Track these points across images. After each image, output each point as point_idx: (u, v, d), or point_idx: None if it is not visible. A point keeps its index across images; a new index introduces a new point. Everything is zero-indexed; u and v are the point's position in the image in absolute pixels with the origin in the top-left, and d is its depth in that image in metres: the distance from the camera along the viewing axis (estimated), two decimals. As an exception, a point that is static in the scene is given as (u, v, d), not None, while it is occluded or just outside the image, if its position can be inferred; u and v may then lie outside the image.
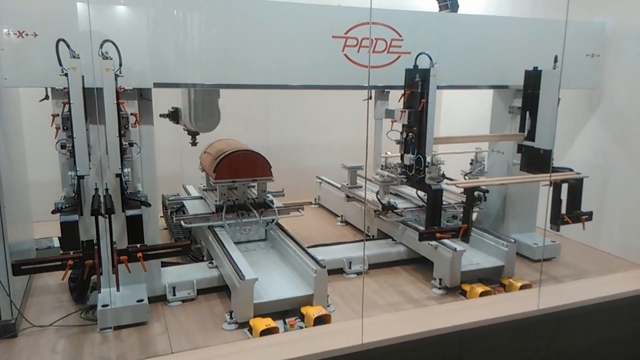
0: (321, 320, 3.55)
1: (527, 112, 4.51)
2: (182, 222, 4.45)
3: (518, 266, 4.57)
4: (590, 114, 5.22)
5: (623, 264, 4.82)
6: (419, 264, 4.67)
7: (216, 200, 4.59)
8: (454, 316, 3.47)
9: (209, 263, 4.25)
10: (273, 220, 4.65)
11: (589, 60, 4.89)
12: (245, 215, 4.62)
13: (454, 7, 5.20)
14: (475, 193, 4.51)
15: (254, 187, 4.83)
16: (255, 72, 3.86)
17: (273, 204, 4.69)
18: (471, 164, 5.24)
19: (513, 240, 4.49)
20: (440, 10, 5.28)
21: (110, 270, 3.15)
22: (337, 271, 4.48)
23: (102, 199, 3.26)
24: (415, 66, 4.06)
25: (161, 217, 5.38)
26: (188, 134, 4.85)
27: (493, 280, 4.34)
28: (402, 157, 4.37)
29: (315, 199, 6.84)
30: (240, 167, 4.56)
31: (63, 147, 3.30)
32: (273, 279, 4.03)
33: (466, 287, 4.11)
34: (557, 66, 4.26)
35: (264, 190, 4.74)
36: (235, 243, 4.25)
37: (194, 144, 4.87)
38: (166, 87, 3.73)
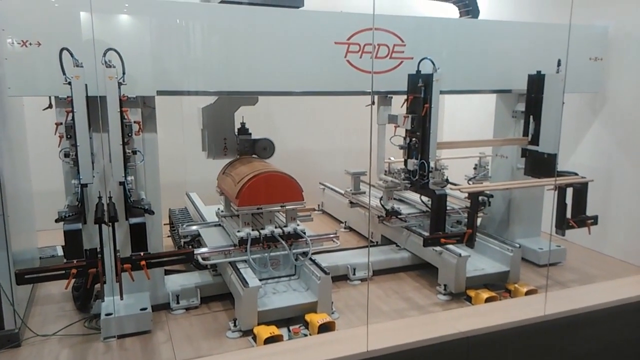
0: (325, 327, 3.52)
1: (531, 116, 4.50)
2: (199, 258, 3.93)
3: (523, 271, 4.54)
4: (594, 117, 5.21)
5: (629, 268, 4.79)
6: (424, 270, 4.64)
7: (239, 231, 3.99)
8: (460, 322, 3.44)
9: (213, 271, 4.23)
10: (306, 253, 4.06)
11: (592, 63, 4.88)
12: (272, 248, 4.05)
13: (475, 14, 5.18)
14: (480, 198, 4.50)
15: (278, 212, 4.22)
16: (257, 79, 3.86)
17: (305, 233, 4.10)
18: (475, 168, 5.23)
19: (518, 245, 4.45)
20: (460, 15, 5.27)
21: (114, 278, 3.14)
22: (341, 278, 4.47)
23: (105, 207, 3.26)
24: (418, 71, 4.06)
25: (168, 237, 5.26)
26: None
27: (498, 285, 4.31)
28: (405, 163, 4.36)
29: (319, 205, 6.82)
30: (267, 191, 3.98)
31: (66, 155, 3.30)
32: (277, 287, 4.01)
33: (471, 293, 4.09)
34: (560, 70, 4.25)
35: (294, 218, 4.16)
36: (260, 280, 3.74)
37: None
38: (169, 95, 3.73)
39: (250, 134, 4.74)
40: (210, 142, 4.61)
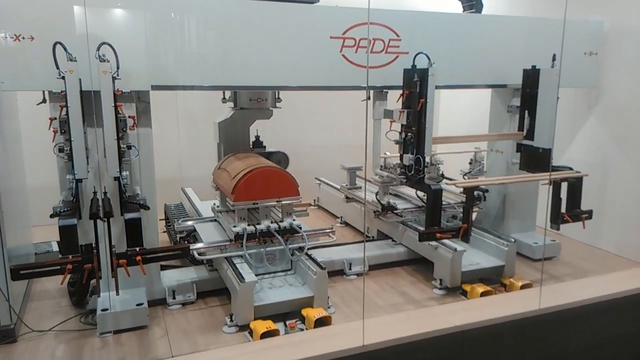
0: (322, 322, 3.53)
1: (526, 111, 4.51)
2: (195, 254, 3.88)
3: (518, 266, 4.56)
4: (589, 112, 5.22)
5: (623, 262, 4.82)
6: (419, 265, 4.66)
7: (234, 226, 3.96)
8: (455, 317, 3.46)
9: (209, 266, 4.22)
10: (302, 248, 4.06)
11: (587, 58, 4.89)
12: (269, 243, 4.01)
13: (478, 10, 5.17)
14: (475, 193, 4.51)
15: (274, 207, 4.18)
16: (252, 74, 3.85)
17: (301, 228, 4.08)
18: (470, 163, 5.23)
19: (513, 240, 4.48)
20: (464, 10, 5.26)
21: (110, 274, 3.14)
22: (337, 272, 4.48)
23: (100, 203, 3.25)
24: (414, 66, 4.06)
25: (163, 232, 5.28)
26: None
27: (494, 280, 4.33)
28: (401, 158, 4.36)
29: (315, 200, 6.82)
30: (263, 186, 3.95)
31: (61, 150, 3.29)
32: (273, 281, 4.02)
33: (467, 287, 4.10)
34: (555, 65, 4.26)
35: (290, 213, 4.13)
36: (256, 275, 3.73)
37: None
38: (164, 90, 3.71)
39: (264, 146, 4.85)
40: (226, 155, 4.68)
